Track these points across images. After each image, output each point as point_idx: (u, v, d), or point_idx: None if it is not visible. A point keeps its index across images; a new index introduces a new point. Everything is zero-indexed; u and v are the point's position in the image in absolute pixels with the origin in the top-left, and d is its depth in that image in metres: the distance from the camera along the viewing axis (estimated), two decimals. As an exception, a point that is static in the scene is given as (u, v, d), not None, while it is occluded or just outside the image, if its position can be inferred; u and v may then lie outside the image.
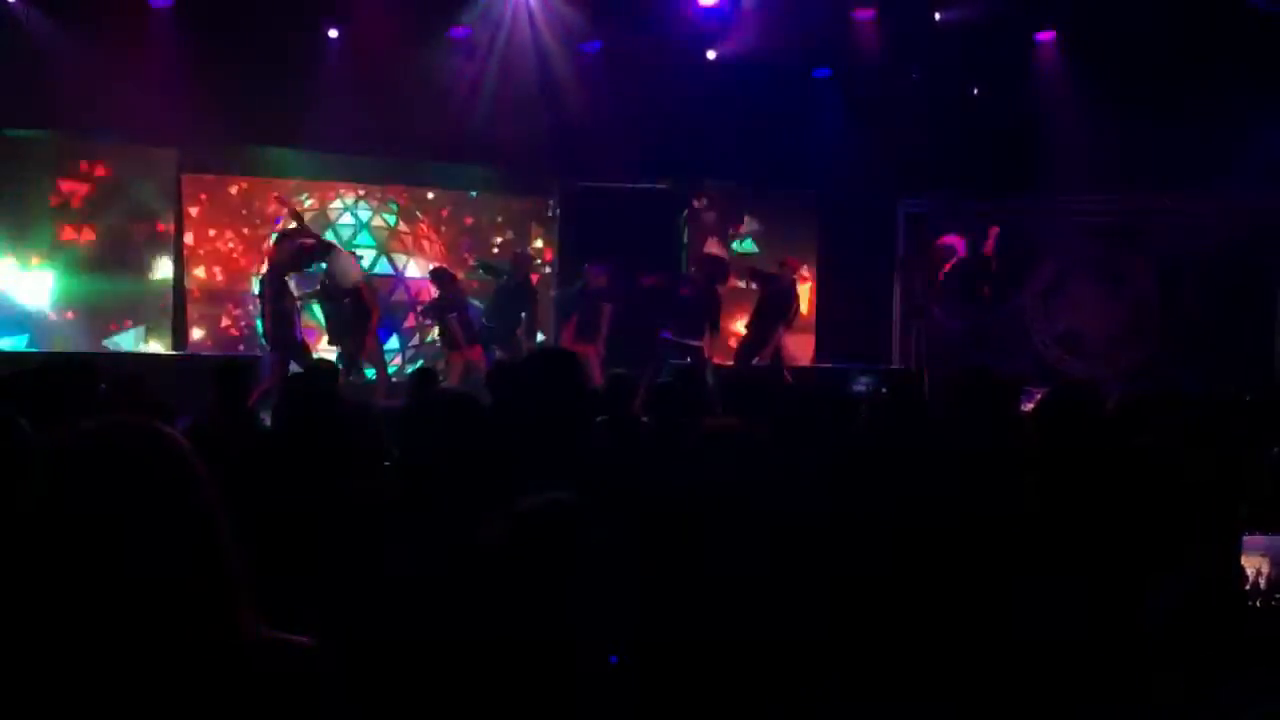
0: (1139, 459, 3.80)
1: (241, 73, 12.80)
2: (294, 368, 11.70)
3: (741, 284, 14.91)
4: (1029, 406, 4.75)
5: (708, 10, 14.23)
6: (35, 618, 1.79)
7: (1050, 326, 15.39)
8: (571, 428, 3.70)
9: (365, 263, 14.63)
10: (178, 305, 14.50)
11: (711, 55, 14.91)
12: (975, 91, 15.40)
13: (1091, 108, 14.16)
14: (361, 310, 12.97)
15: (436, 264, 14.76)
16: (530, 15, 14.36)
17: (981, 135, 14.82)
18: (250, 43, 12.94)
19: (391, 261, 15.64)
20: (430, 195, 16.25)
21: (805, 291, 15.46)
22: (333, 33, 14.05)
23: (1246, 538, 4.16)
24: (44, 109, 12.91)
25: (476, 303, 14.66)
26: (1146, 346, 14.80)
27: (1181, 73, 13.50)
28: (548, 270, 16.15)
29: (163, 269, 14.30)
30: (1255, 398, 7.95)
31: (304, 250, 12.88)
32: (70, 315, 13.77)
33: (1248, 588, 3.65)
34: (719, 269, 14.53)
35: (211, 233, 15.01)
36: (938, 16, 14.20)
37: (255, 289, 13.75)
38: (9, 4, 12.76)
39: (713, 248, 15.95)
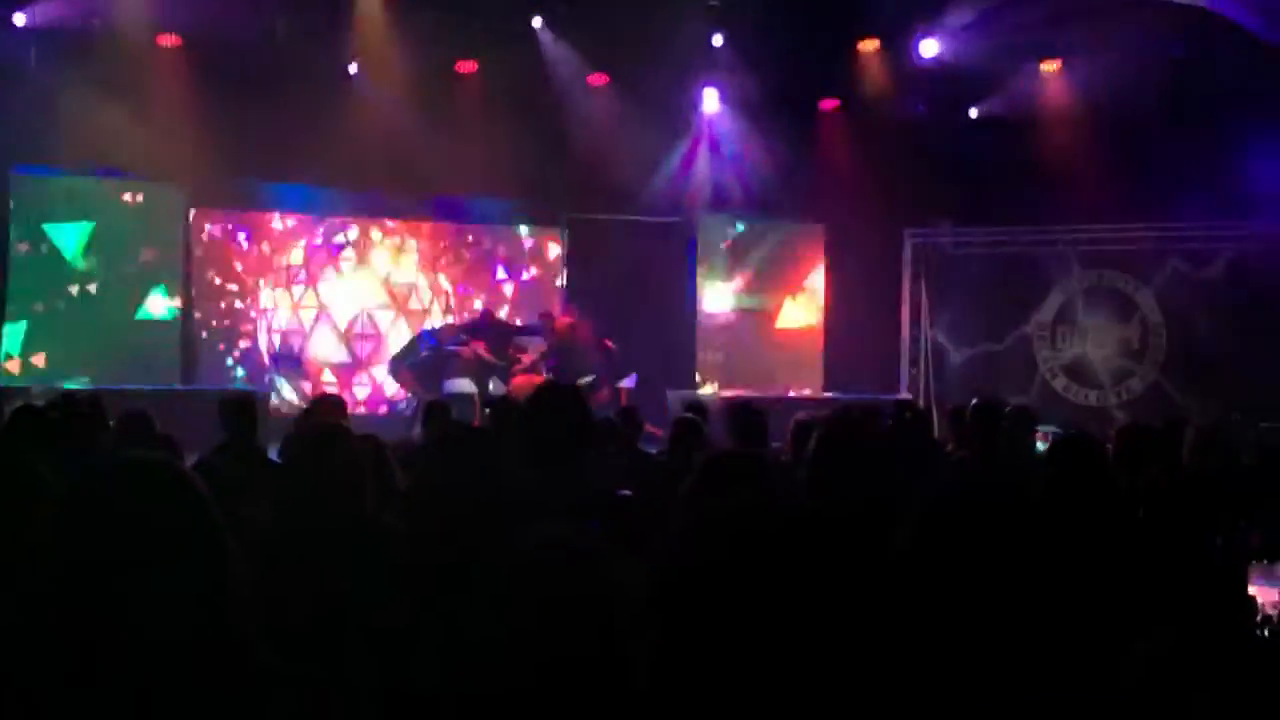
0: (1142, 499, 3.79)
1: (251, 108, 12.85)
2: None
3: None
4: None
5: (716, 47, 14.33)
6: (50, 654, 1.80)
7: (1056, 356, 15.36)
8: (579, 459, 3.69)
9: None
10: (185, 340, 14.55)
11: (715, 100, 14.97)
12: (974, 114, 15.47)
13: (1095, 135, 14.19)
14: None
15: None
16: (539, 48, 14.41)
17: (987, 165, 14.86)
18: (261, 78, 13.02)
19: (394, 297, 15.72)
20: (435, 227, 16.33)
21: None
22: (352, 68, 14.06)
23: (1257, 566, 4.15)
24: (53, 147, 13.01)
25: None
26: (1152, 375, 14.77)
27: (1185, 99, 13.52)
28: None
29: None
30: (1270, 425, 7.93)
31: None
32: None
33: (1259, 619, 3.61)
34: None
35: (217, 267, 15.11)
36: (936, 48, 14.31)
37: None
38: (18, 43, 12.80)
39: None
